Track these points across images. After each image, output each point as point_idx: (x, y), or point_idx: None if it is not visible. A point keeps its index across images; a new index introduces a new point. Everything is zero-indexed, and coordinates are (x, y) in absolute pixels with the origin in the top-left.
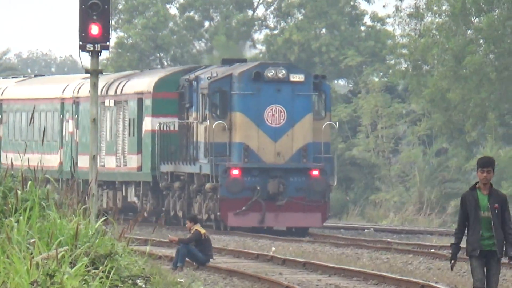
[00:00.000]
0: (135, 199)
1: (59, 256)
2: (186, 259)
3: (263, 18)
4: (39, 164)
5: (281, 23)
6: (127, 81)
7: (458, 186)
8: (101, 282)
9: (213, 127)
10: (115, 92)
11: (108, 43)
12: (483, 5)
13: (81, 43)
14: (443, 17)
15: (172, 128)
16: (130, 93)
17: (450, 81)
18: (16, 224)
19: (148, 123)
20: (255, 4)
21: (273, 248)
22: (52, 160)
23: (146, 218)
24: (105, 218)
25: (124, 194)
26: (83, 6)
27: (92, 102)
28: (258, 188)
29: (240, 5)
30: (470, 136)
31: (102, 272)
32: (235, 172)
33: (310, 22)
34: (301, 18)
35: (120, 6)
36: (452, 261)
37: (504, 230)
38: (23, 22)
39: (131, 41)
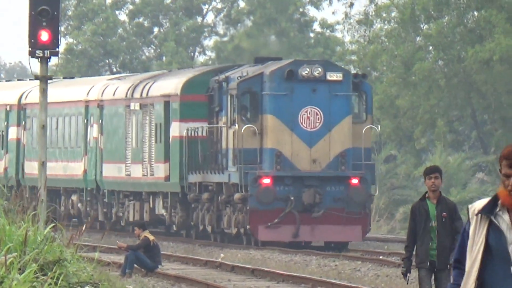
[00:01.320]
0: (163, 211)
1: (7, 262)
2: (135, 265)
3: (212, 24)
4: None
5: (231, 29)
6: (153, 83)
7: (407, 193)
8: None
9: (242, 131)
10: (141, 94)
11: (57, 49)
12: (432, 12)
13: (30, 49)
14: (392, 24)
15: (201, 133)
16: (157, 95)
17: (399, 88)
18: None
19: (176, 129)
20: (205, 10)
21: (222, 255)
22: (76, 168)
23: (176, 231)
24: (53, 224)
25: (151, 206)
26: (33, 12)
27: (41, 109)
28: (292, 198)
29: (190, 11)
30: (419, 143)
31: (51, 278)
32: (266, 181)
33: (259, 29)
34: (250, 25)
35: (69, 12)
36: (408, 275)
37: (454, 239)
38: None
39: (80, 47)
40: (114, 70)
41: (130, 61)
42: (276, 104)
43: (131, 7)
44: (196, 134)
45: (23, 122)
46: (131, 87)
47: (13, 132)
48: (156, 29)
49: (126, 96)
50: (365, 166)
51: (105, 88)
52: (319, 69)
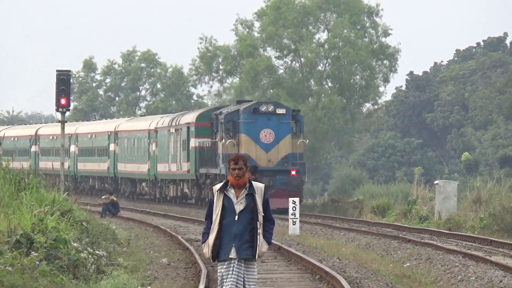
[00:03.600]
0: (187, 190)
1: (45, 211)
2: (107, 212)
3: (144, 95)
4: (135, 170)
5: (153, 98)
6: (181, 117)
7: None
8: (65, 223)
9: (226, 143)
10: (175, 123)
11: (69, 108)
12: (249, 89)
13: (56, 107)
14: (230, 96)
15: (206, 145)
16: (183, 123)
17: None
18: (24, 195)
19: (193, 142)
20: (141, 88)
21: (147, 210)
22: (142, 167)
23: (192, 203)
24: (67, 192)
25: (181, 187)
26: (57, 90)
27: (62, 136)
28: None
29: (133, 89)
30: None
31: (67, 219)
32: None
33: (167, 98)
34: (163, 96)
35: (75, 89)
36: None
37: None
38: (26, 95)
39: (80, 107)
40: (97, 119)
41: (104, 114)
42: (247, 127)
43: (105, 87)
44: (204, 145)
45: (116, 141)
46: (170, 120)
47: (111, 146)
48: (117, 98)
49: (168, 125)
50: (299, 164)
51: (158, 121)
52: (272, 107)
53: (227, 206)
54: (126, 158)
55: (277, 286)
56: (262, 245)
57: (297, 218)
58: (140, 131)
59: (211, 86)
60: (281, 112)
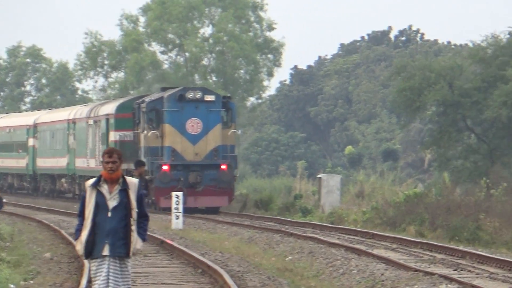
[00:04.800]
0: None
1: None
2: None
3: (29, 91)
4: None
5: (38, 93)
6: (101, 107)
7: None
8: None
9: (149, 135)
10: (94, 114)
11: None
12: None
13: None
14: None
15: (128, 138)
16: (102, 115)
17: None
18: None
19: (112, 136)
20: (26, 83)
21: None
22: (61, 162)
23: None
24: None
25: None
26: None
27: None
28: (182, 179)
29: (18, 83)
30: None
31: None
32: (165, 167)
33: (52, 94)
34: (47, 91)
35: None
36: None
37: None
38: None
39: None
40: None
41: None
42: (171, 117)
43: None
44: (125, 139)
45: (35, 135)
46: (89, 110)
47: (30, 141)
48: (2, 93)
49: (86, 116)
50: (230, 157)
51: (76, 111)
52: (200, 93)
53: (100, 202)
54: (45, 152)
55: (159, 280)
56: (136, 242)
57: (180, 212)
58: (59, 122)
59: (96, 81)
60: (210, 99)
